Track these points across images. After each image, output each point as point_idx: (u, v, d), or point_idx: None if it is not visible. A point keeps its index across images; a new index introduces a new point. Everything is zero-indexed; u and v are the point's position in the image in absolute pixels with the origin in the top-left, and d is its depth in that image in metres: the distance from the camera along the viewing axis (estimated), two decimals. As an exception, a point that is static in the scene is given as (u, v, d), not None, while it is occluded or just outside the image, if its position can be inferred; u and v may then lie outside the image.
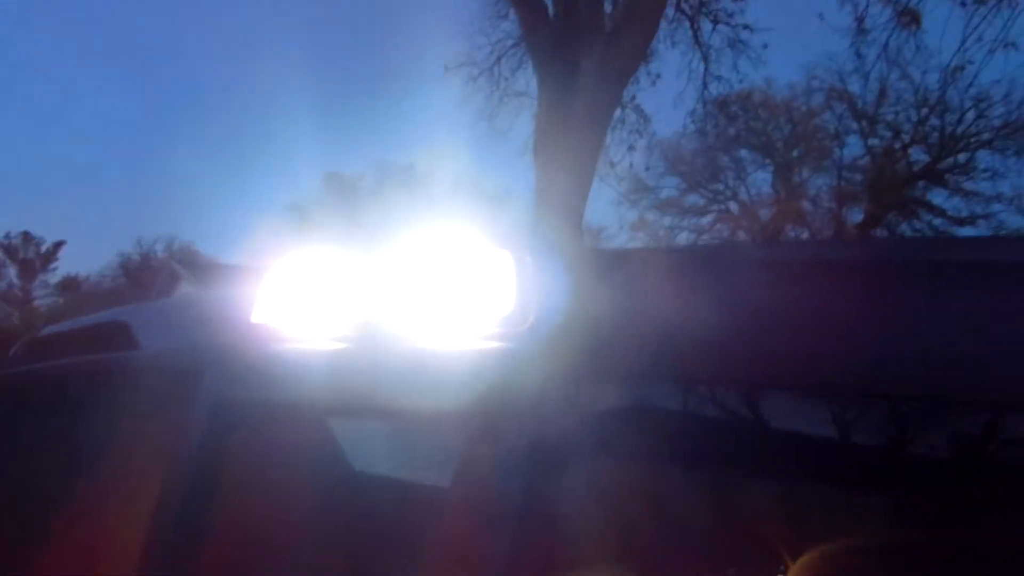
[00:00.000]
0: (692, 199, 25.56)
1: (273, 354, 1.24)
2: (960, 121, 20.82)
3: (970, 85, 12.72)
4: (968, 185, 21.60)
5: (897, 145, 22.51)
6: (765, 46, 13.61)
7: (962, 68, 10.63)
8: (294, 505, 1.22)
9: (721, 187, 25.36)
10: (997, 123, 20.18)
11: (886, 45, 11.71)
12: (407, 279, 1.14)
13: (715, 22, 13.66)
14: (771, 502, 1.06)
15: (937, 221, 21.87)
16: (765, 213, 24.48)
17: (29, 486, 1.66)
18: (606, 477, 1.08)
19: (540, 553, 1.01)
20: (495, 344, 1.04)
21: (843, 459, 0.96)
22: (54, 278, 38.86)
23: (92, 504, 1.42)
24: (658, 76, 14.03)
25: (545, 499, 1.01)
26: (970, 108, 20.07)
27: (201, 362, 1.31)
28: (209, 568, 1.23)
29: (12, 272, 38.99)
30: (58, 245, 39.06)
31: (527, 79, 13.60)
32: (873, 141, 22.94)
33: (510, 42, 14.16)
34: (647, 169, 18.15)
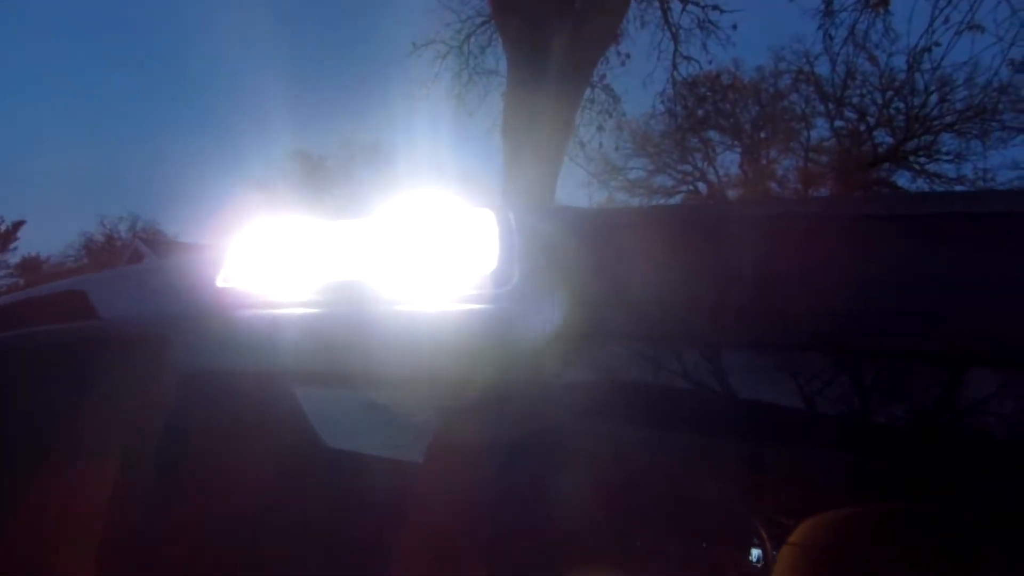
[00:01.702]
0: (661, 180, 25.63)
1: (241, 320, 1.18)
2: (924, 104, 21.06)
3: (936, 68, 12.79)
4: (932, 167, 21.88)
5: (863, 127, 22.74)
6: (735, 27, 13.59)
7: (929, 50, 10.69)
8: (264, 479, 1.17)
9: (689, 168, 25.47)
10: (960, 106, 20.43)
11: (853, 27, 11.75)
12: (385, 239, 1.09)
13: (685, 2, 13.61)
14: (750, 472, 1.03)
15: (901, 203, 22.00)
16: (733, 194, 24.63)
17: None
18: (591, 447, 1.04)
19: (518, 529, 0.97)
20: (477, 306, 0.99)
21: (825, 426, 0.93)
22: (14, 258, 38.02)
23: (53, 481, 1.35)
24: (628, 56, 13.98)
25: (529, 472, 0.97)
26: (934, 91, 20.29)
27: (165, 330, 1.25)
28: (175, 543, 1.17)
29: (-29, 252, 38.13)
30: (18, 224, 38.19)
31: (497, 57, 13.49)
32: (839, 123, 23.16)
33: (480, 20, 14.02)
34: (616, 149, 18.15)
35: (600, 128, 14.68)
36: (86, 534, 1.23)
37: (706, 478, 1.02)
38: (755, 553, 0.94)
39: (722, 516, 0.99)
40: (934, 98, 20.59)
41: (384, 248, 1.08)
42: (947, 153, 21.37)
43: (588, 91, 13.25)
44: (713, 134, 24.84)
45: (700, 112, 21.70)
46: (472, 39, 14.19)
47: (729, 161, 25.37)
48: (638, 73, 14.39)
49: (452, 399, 1.03)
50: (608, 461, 1.02)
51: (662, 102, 15.16)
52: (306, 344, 1.12)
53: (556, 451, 0.99)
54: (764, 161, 24.81)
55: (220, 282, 1.23)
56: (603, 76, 14.17)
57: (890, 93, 21.03)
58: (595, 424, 1.02)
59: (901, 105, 21.46)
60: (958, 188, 20.85)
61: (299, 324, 1.13)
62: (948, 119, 20.93)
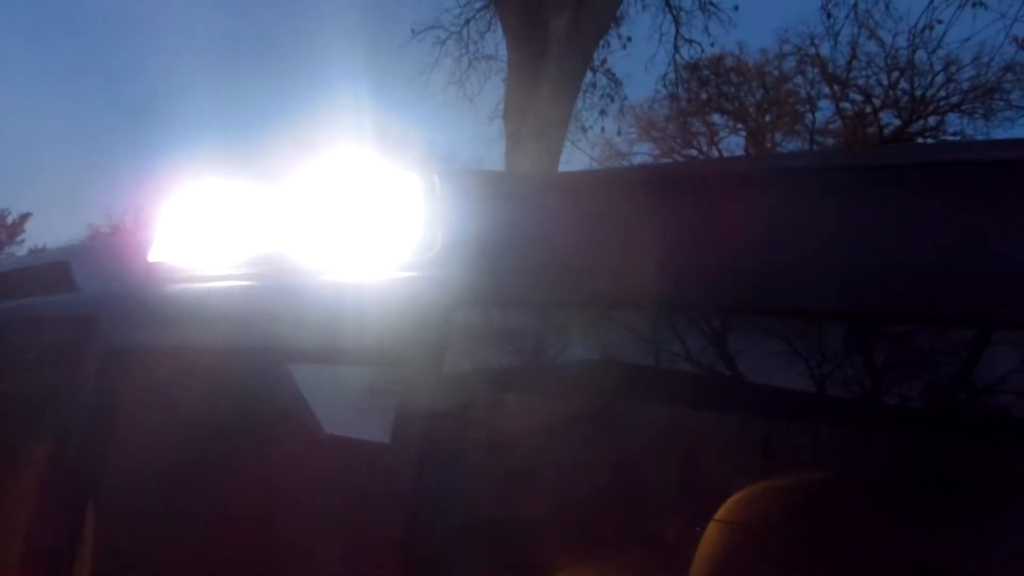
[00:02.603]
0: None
1: (169, 295, 1.14)
2: (930, 84, 20.87)
3: (938, 47, 12.63)
4: (939, 142, 21.71)
5: (868, 109, 22.55)
6: (736, 8, 13.45)
7: (931, 27, 10.54)
8: (195, 456, 1.13)
9: (694, 152, 25.32)
10: (965, 86, 20.24)
11: (855, 6, 11.61)
12: (309, 207, 1.04)
13: (686, -17, 13.48)
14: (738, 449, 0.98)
15: (908, 185, 21.87)
16: (738, 178, 24.43)
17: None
18: (522, 417, 0.99)
19: (444, 503, 0.93)
20: (403, 274, 0.95)
21: (798, 396, 0.88)
22: (21, 250, 38.13)
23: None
24: (629, 39, 13.84)
25: (455, 443, 0.92)
26: (940, 71, 20.11)
27: (93, 308, 1.20)
28: (104, 521, 1.14)
29: (-22, 245, 38.31)
30: (24, 217, 38.32)
31: (496, 42, 13.39)
32: (844, 105, 22.98)
33: (479, 4, 13.91)
34: (619, 134, 18.01)
35: (603, 113, 14.58)
36: (18, 511, 1.20)
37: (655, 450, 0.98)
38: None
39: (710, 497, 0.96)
40: (940, 78, 20.42)
41: (309, 214, 1.04)
42: (954, 134, 21.19)
43: (589, 75, 13.14)
44: (717, 117, 24.69)
45: (704, 95, 21.57)
46: (472, 24, 14.09)
47: (734, 144, 25.21)
48: (640, 57, 14.28)
49: (379, 371, 0.99)
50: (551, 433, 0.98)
51: (664, 86, 15.05)
52: (232, 317, 1.07)
53: (490, 425, 0.95)
54: (769, 144, 24.65)
55: (151, 256, 1.19)
56: (604, 60, 14.04)
57: (895, 74, 20.85)
58: (535, 396, 0.98)
59: (906, 86, 21.27)
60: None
61: (225, 298, 1.09)
62: (954, 99, 20.75)
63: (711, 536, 0.78)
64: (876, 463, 0.83)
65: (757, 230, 0.79)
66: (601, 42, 12.36)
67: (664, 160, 24.82)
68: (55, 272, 1.48)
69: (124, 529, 1.16)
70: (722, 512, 0.78)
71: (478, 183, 1.00)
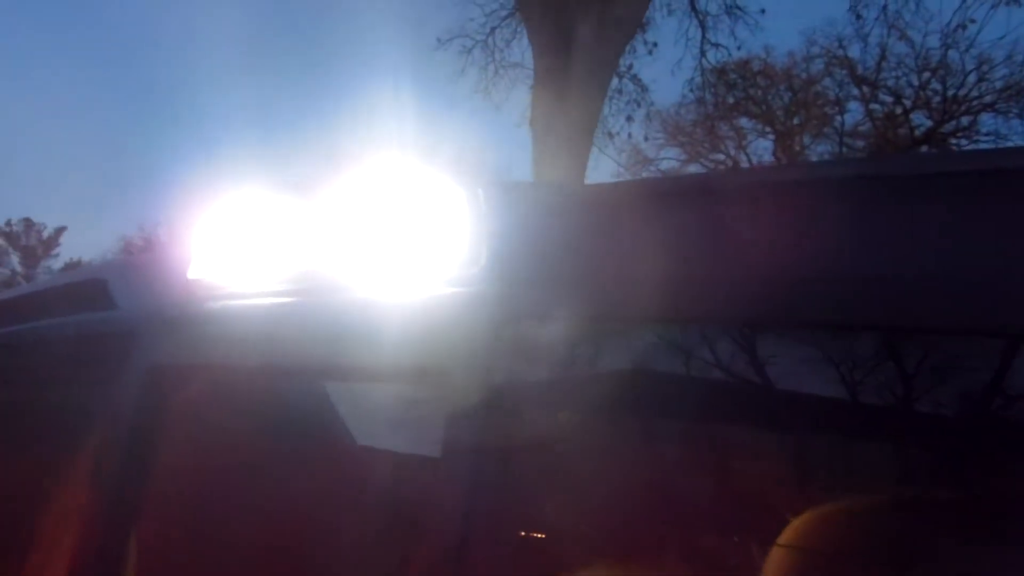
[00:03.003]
0: (693, 169, 25.33)
1: (209, 313, 1.13)
2: (962, 84, 20.58)
3: (971, 46, 12.46)
4: (971, 149, 21.37)
5: (899, 110, 22.28)
6: (763, 11, 13.36)
7: (964, 26, 10.40)
8: (236, 475, 1.11)
9: (722, 157, 25.14)
10: (999, 85, 19.93)
11: (885, 7, 11.48)
12: (350, 220, 1.02)
13: (711, -13, 13.41)
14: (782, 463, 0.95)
15: (940, 186, 21.56)
16: (767, 182, 24.20)
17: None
18: (574, 435, 0.97)
19: (493, 524, 0.90)
20: (447, 290, 0.92)
21: (847, 411, 0.85)
22: (57, 264, 38.73)
23: (24, 481, 1.31)
24: (655, 45, 13.81)
25: (502, 465, 0.90)
26: (972, 70, 19.83)
27: (132, 326, 1.19)
28: (147, 541, 1.12)
29: (15, 259, 38.94)
30: (59, 231, 38.96)
31: (522, 50, 13.39)
32: (874, 107, 22.73)
33: (504, 12, 13.93)
34: (646, 139, 17.95)
35: (629, 118, 14.53)
36: (62, 531, 1.19)
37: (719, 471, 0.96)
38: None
39: (754, 510, 0.93)
40: (972, 77, 20.13)
41: (350, 228, 1.02)
42: (987, 134, 20.86)
43: (615, 81, 13.11)
44: (745, 121, 24.50)
45: (731, 99, 21.43)
46: (497, 32, 14.11)
47: (762, 148, 25.01)
48: (666, 62, 14.20)
49: (425, 390, 0.96)
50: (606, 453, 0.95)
51: (691, 90, 14.98)
52: (273, 335, 1.06)
53: (544, 445, 0.93)
54: (798, 148, 24.42)
55: (190, 273, 1.18)
56: (630, 66, 14.01)
57: (926, 74, 20.59)
58: (588, 413, 0.95)
59: (938, 86, 20.99)
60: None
61: (266, 315, 1.07)
62: (987, 98, 20.43)
63: (775, 562, 0.75)
64: (936, 481, 0.79)
65: (826, 240, 0.76)
66: (627, 48, 12.33)
67: (691, 165, 24.69)
68: (93, 289, 1.48)
69: (168, 552, 1.15)
70: (786, 536, 0.75)
71: (525, 195, 0.97)
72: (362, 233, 1.00)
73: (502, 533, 0.88)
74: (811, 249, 0.78)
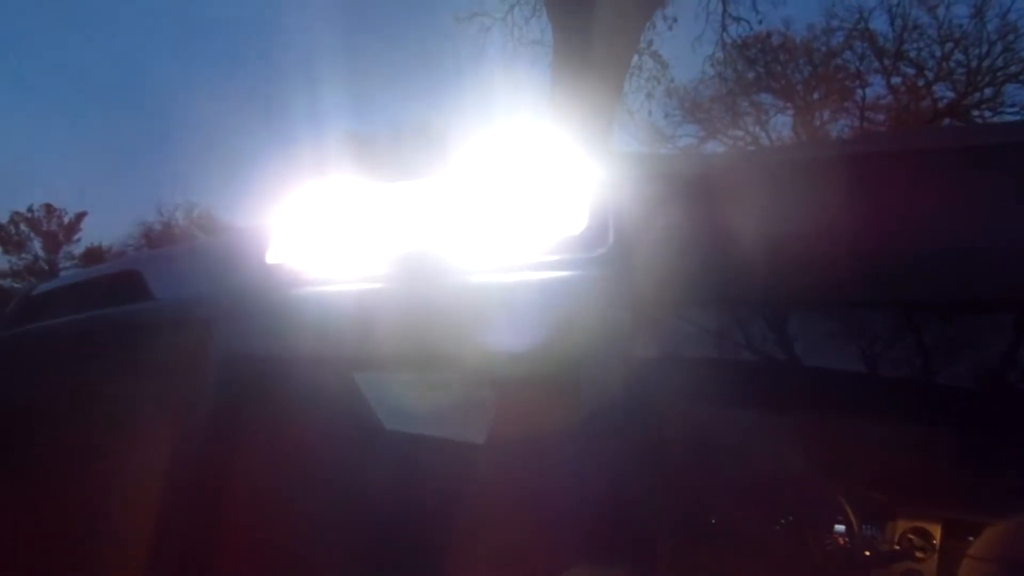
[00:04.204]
0: (712, 146, 25.10)
1: (293, 299, 1.06)
2: (987, 55, 20.24)
3: (1006, 12, 12.18)
4: (996, 121, 21.06)
5: (921, 82, 21.96)
6: (786, -18, 13.13)
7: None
8: (319, 471, 1.06)
9: (741, 133, 24.88)
10: (1025, 55, 19.59)
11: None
12: (453, 201, 0.95)
13: (732, -39, 13.21)
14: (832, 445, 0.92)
15: (964, 159, 21.35)
16: (787, 158, 23.98)
17: (32, 449, 1.50)
18: (690, 426, 0.91)
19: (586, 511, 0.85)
20: (563, 273, 0.85)
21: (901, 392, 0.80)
22: (78, 249, 38.85)
23: (101, 471, 1.26)
24: (675, 20, 13.61)
25: (601, 453, 0.84)
26: (996, 41, 19.48)
27: (210, 312, 1.13)
28: (224, 535, 1.07)
29: (37, 244, 39.13)
30: (80, 216, 39.06)
31: (542, 27, 13.23)
32: (896, 80, 22.40)
33: (523, -10, 13.77)
34: (666, 117, 17.78)
35: (649, 95, 14.37)
36: (137, 522, 1.14)
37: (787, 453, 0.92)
38: (839, 528, 0.89)
39: (804, 491, 0.89)
40: (997, 48, 19.78)
41: (452, 210, 0.95)
42: (1012, 106, 20.52)
43: (635, 58, 12.95)
44: (765, 97, 24.21)
45: (751, 75, 21.20)
46: (516, 9, 13.95)
47: (781, 124, 24.72)
48: (686, 37, 14.02)
49: (534, 380, 0.90)
50: (689, 439, 0.91)
51: (711, 66, 14.80)
52: (364, 325, 0.99)
53: (629, 431, 0.87)
54: (818, 123, 24.14)
55: (269, 259, 1.11)
56: (650, 42, 13.83)
57: (950, 45, 20.26)
58: (685, 403, 0.90)
59: (961, 57, 20.65)
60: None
61: (356, 303, 1.00)
62: (1012, 69, 20.09)
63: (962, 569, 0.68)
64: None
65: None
66: (647, 24, 12.17)
67: (710, 143, 24.46)
68: (127, 280, 1.43)
69: (249, 544, 1.10)
70: (978, 548, 0.68)
71: (655, 167, 0.90)
72: (470, 214, 0.93)
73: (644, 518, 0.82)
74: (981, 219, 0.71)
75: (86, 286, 1.71)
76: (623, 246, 0.82)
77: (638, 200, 0.84)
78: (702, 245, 0.80)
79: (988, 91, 21.00)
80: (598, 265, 0.82)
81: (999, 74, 20.44)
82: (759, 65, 21.22)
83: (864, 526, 0.95)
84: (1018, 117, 20.47)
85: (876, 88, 23.02)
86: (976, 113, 21.32)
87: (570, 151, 0.88)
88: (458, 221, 0.94)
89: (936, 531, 0.90)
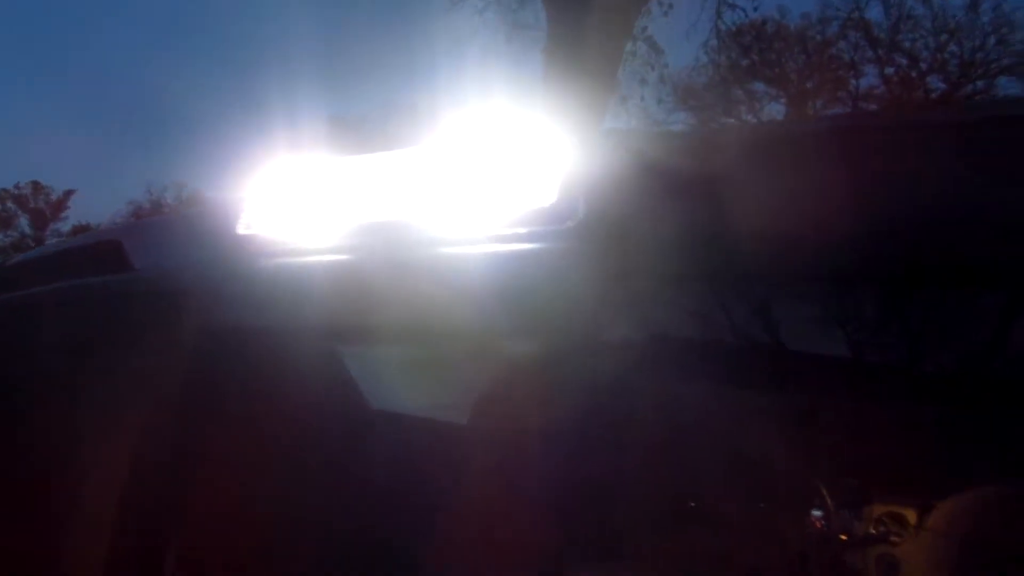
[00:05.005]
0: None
1: (264, 270, 1.05)
2: (981, 47, 20.27)
3: (997, 6, 12.19)
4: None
5: (914, 73, 21.98)
6: (781, -30, 13.09)
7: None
8: (293, 444, 1.04)
9: (734, 121, 24.86)
10: (1019, 48, 19.62)
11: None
12: (426, 171, 0.94)
13: (729, -53, 13.16)
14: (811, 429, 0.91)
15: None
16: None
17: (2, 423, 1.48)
18: (663, 404, 0.90)
19: (577, 497, 0.84)
20: (533, 245, 0.84)
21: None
22: (65, 227, 38.63)
23: (69, 445, 1.24)
24: (670, 6, 13.55)
25: (594, 436, 0.83)
26: (991, 33, 19.50)
27: (181, 284, 1.11)
28: (197, 509, 1.06)
29: (24, 222, 38.93)
30: (68, 193, 38.86)
31: (536, 11, 13.15)
32: (889, 70, 22.41)
33: (517, -27, 13.69)
34: (659, 103, 17.71)
35: (643, 81, 14.31)
36: (107, 497, 1.13)
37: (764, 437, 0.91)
38: (816, 512, 0.87)
39: (780, 475, 0.88)
40: (991, 40, 19.81)
41: (424, 181, 0.93)
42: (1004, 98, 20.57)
43: (630, 44, 12.90)
44: (758, 85, 24.21)
45: (744, 62, 21.17)
46: (510, -7, 13.86)
47: (775, 112, 24.73)
48: (681, 23, 13.97)
49: (505, 354, 0.89)
50: (661, 421, 0.90)
51: (705, 53, 14.77)
52: (337, 295, 0.98)
53: (608, 412, 0.87)
54: (811, 112, 24.15)
55: (241, 228, 1.10)
56: (645, 28, 13.77)
57: (944, 36, 20.27)
58: (655, 382, 0.89)
59: (955, 48, 20.67)
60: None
61: (329, 273, 0.99)
62: (1006, 61, 20.11)
63: (938, 551, 0.68)
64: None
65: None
66: (642, 9, 12.12)
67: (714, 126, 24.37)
68: (107, 251, 1.40)
69: (219, 520, 1.08)
70: (945, 524, 0.68)
71: (626, 144, 0.89)
72: (438, 185, 0.92)
73: (605, 502, 0.82)
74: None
75: (65, 256, 1.68)
76: (593, 219, 0.81)
77: (609, 174, 0.83)
78: (673, 220, 0.78)
79: (981, 83, 21.03)
80: (567, 238, 0.81)
81: (992, 66, 20.48)
82: (753, 53, 21.20)
83: (841, 510, 0.95)
84: (1010, 109, 20.46)
85: (870, 78, 23.05)
86: (968, 104, 21.33)
87: (542, 126, 0.87)
88: (429, 193, 0.93)
89: (912, 515, 0.90)
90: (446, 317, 0.89)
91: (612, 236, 0.80)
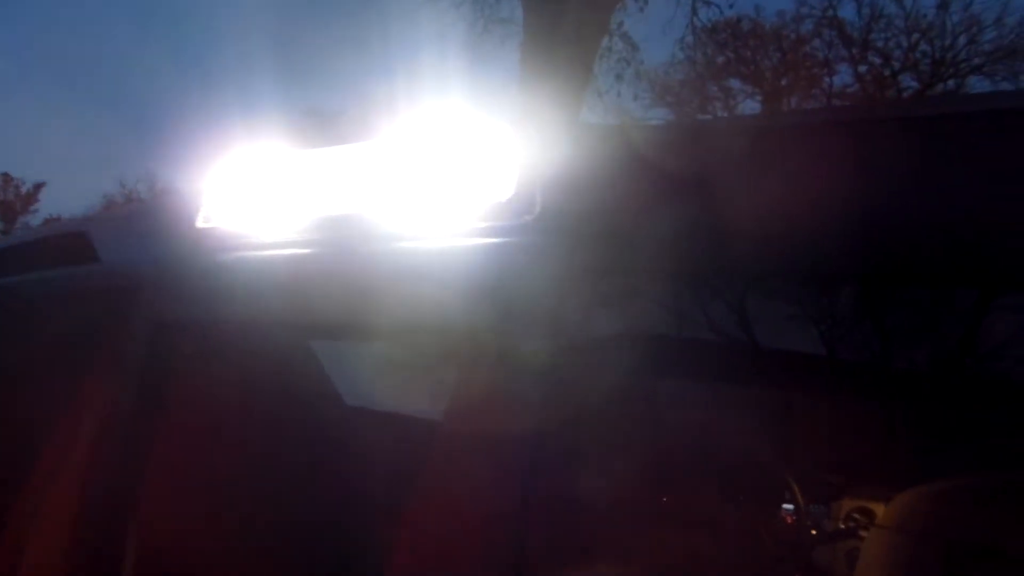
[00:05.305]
0: (679, 130, 25.09)
1: (221, 264, 1.03)
2: (951, 47, 20.49)
3: (968, 6, 12.33)
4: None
5: (887, 72, 22.17)
6: (756, -32, 13.16)
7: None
8: (250, 440, 1.03)
9: (709, 117, 24.96)
10: (988, 48, 19.86)
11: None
12: (383, 165, 0.93)
13: (703, -56, 13.20)
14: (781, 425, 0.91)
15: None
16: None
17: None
18: (626, 399, 0.90)
19: (546, 494, 0.83)
20: (493, 239, 0.83)
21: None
22: (35, 220, 38.07)
23: (25, 438, 1.22)
24: (646, 2, 13.57)
25: (557, 432, 0.82)
26: (961, 33, 19.73)
27: (136, 278, 1.10)
28: (151, 506, 1.05)
29: (-8, 215, 38.33)
30: (38, 186, 38.29)
31: (512, 6, 13.14)
32: (863, 68, 22.60)
33: (494, -33, 13.65)
34: (635, 99, 17.74)
35: (619, 77, 14.33)
36: (63, 494, 1.11)
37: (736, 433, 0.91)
38: (787, 508, 0.90)
39: (752, 472, 0.90)
40: (962, 40, 20.03)
41: (382, 175, 0.92)
42: (975, 97, 20.78)
43: (606, 40, 12.91)
44: (734, 82, 24.31)
45: (720, 59, 21.27)
46: (487, -13, 13.82)
47: (750, 109, 24.84)
48: (657, 20, 14.01)
49: (465, 349, 0.88)
50: (623, 416, 0.90)
51: (681, 49, 14.82)
52: (294, 290, 0.97)
53: (579, 409, 0.86)
54: (786, 109, 24.28)
55: (199, 222, 1.08)
56: (620, 23, 13.79)
57: (916, 35, 20.48)
58: (621, 378, 0.88)
59: (927, 48, 20.88)
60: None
61: (286, 267, 0.98)
62: (976, 61, 20.35)
63: (875, 543, 0.68)
64: None
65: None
66: (618, 5, 12.14)
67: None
68: (73, 242, 1.38)
69: (175, 514, 1.07)
70: (884, 518, 0.68)
71: (588, 137, 0.88)
72: (396, 178, 0.91)
73: (558, 511, 0.81)
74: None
75: (29, 248, 1.65)
76: (551, 213, 0.80)
77: (568, 168, 0.82)
78: (633, 214, 0.78)
79: (952, 82, 21.26)
80: (525, 232, 0.81)
81: (963, 66, 20.70)
82: (729, 50, 21.30)
83: (811, 505, 0.95)
84: (980, 109, 20.70)
85: (843, 77, 23.22)
86: (940, 103, 21.56)
87: (503, 120, 0.86)
88: (386, 186, 0.92)
89: (880, 510, 0.90)
90: (405, 311, 0.88)
91: (571, 230, 0.79)
